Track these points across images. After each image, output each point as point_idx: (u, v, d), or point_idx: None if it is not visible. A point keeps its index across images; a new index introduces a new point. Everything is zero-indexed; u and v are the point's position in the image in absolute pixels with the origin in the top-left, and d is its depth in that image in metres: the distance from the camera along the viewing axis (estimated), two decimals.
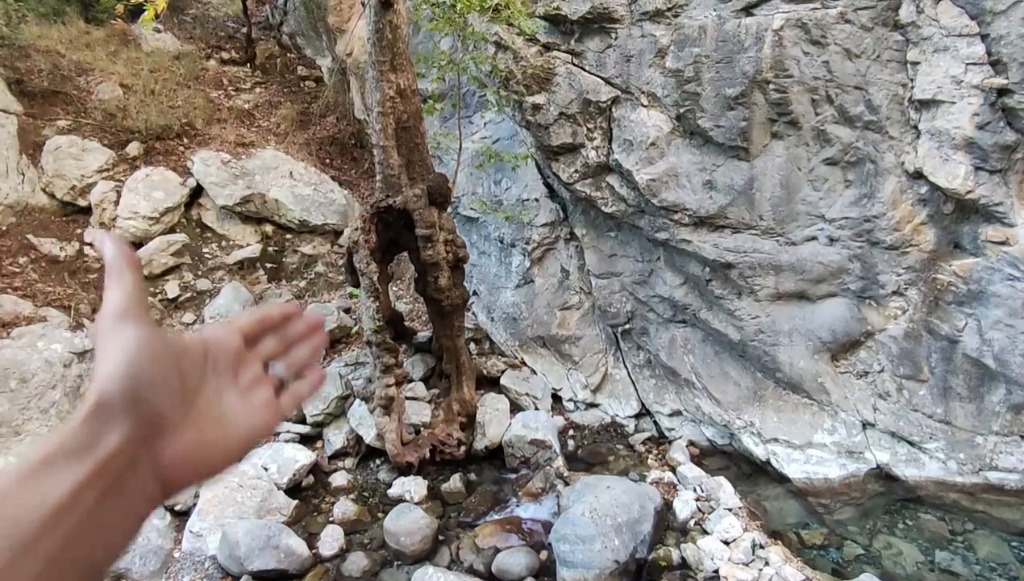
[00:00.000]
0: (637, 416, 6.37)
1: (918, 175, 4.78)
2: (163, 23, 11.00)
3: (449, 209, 5.88)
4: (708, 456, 5.86)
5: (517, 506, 5.26)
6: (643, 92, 5.50)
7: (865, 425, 5.28)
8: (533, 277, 6.87)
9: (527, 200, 6.89)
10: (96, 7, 10.19)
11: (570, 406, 6.56)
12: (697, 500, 4.92)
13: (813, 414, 5.40)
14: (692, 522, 4.72)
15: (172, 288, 7.33)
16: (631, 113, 5.58)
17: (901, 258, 4.97)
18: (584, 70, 5.76)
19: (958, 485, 4.94)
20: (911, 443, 5.11)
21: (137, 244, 7.36)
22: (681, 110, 5.30)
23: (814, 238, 5.17)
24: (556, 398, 6.62)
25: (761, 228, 5.25)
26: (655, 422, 6.27)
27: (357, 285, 5.65)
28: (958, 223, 4.82)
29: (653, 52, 5.36)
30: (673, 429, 6.09)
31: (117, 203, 7.46)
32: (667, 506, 4.88)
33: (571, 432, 6.28)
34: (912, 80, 4.74)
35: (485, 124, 7.66)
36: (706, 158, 5.33)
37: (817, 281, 5.21)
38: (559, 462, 5.60)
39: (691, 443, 5.92)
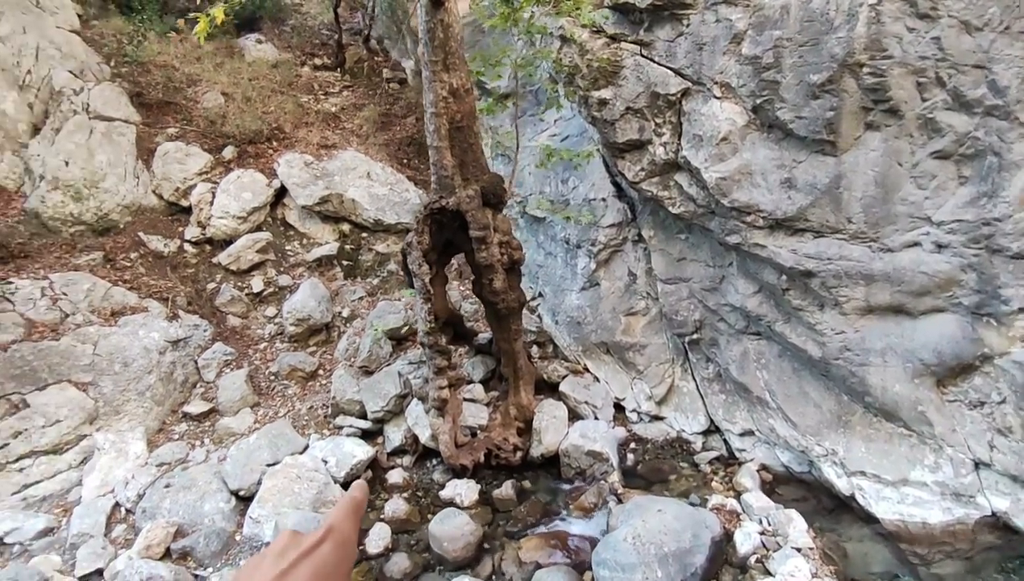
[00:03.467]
0: (705, 433, 5.89)
1: None
2: (265, 33, 11.80)
3: (505, 210, 5.74)
4: (782, 484, 5.28)
5: (566, 520, 5.05)
6: (716, 82, 5.03)
7: (978, 464, 4.50)
8: (599, 280, 6.57)
9: (594, 200, 6.59)
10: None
11: (633, 417, 6.21)
12: (762, 534, 4.43)
13: (911, 447, 4.68)
14: (753, 559, 4.26)
15: (257, 283, 7.82)
16: (702, 106, 5.12)
17: None
18: (653, 61, 5.38)
19: None
20: None
21: (227, 241, 7.94)
22: (758, 101, 4.78)
23: (916, 244, 4.47)
24: (618, 408, 6.29)
25: (849, 232, 4.61)
26: (724, 441, 5.77)
27: (412, 286, 5.68)
28: None
29: (728, 38, 4.88)
30: (744, 450, 5.56)
31: (212, 203, 8.08)
32: (727, 537, 4.45)
33: (632, 445, 5.94)
34: None
35: (555, 121, 7.45)
36: (785, 153, 4.77)
37: (919, 294, 4.50)
38: (615, 477, 5.31)
39: (763, 467, 5.37)
